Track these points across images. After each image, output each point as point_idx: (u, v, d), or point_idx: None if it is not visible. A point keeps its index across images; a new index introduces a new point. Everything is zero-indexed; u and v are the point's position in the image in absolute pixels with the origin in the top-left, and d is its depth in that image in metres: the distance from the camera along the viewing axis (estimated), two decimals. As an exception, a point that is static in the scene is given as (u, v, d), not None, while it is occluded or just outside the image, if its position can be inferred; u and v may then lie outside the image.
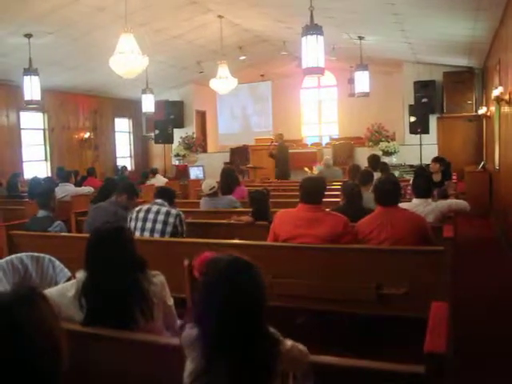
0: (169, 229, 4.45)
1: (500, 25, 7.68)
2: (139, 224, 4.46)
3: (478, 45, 9.56)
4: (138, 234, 4.39)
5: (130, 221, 4.54)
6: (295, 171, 12.03)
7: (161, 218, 4.46)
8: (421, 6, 7.64)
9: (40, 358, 1.21)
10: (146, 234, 4.44)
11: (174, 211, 4.57)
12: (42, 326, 1.24)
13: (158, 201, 4.61)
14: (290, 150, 12.21)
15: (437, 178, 7.39)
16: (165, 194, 4.77)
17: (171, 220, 4.47)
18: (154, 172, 11.44)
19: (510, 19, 6.70)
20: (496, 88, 7.77)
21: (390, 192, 3.92)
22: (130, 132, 16.76)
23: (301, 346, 1.73)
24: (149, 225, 4.45)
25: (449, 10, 7.55)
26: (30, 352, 1.19)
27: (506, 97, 7.07)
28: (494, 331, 4.21)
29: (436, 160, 7.82)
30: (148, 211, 4.51)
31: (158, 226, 4.44)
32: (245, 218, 4.87)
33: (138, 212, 4.54)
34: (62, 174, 9.57)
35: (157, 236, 4.43)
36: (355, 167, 7.09)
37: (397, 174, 10.13)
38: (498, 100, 7.65)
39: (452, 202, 5.09)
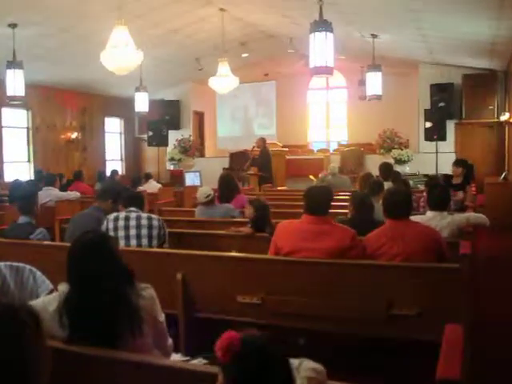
0: (155, 232, 4.50)
1: (525, 24, 7.71)
2: (121, 233, 4.46)
3: (501, 46, 9.59)
4: (122, 242, 4.38)
5: (108, 231, 4.47)
6: (298, 179, 12.05)
7: (144, 222, 4.50)
8: (439, 2, 7.68)
9: (25, 375, 1.24)
10: (133, 242, 4.45)
11: (154, 215, 4.71)
12: (29, 342, 1.28)
13: (133, 208, 4.64)
14: (293, 157, 12.23)
15: (457, 180, 7.40)
16: (137, 200, 4.81)
17: (155, 223, 4.53)
18: (148, 177, 11.44)
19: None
20: (520, 93, 7.79)
21: (399, 203, 3.91)
22: (121, 133, 16.81)
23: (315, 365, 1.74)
24: (133, 231, 4.47)
25: (469, 6, 7.58)
26: (16, 367, 1.22)
27: (531, 102, 7.09)
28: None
29: (457, 163, 7.83)
30: (127, 219, 4.52)
31: (144, 231, 4.47)
32: (244, 229, 4.87)
33: (116, 221, 4.53)
34: (40, 178, 9.57)
35: (145, 241, 4.45)
36: (367, 176, 7.09)
37: (411, 183, 10.12)
38: (522, 106, 7.67)
39: (470, 215, 5.07)
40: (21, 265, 3.14)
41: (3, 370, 1.20)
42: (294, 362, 1.69)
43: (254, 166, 11.94)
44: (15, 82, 9.21)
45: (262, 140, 12.22)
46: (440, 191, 4.87)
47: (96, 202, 5.24)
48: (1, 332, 1.24)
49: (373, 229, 4.01)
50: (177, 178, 14.37)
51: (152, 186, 10.79)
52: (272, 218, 5.03)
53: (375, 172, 8.19)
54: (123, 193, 5.19)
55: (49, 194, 8.33)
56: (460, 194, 6.96)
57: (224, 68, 10.44)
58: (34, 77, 10.67)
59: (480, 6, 7.34)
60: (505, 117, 11.45)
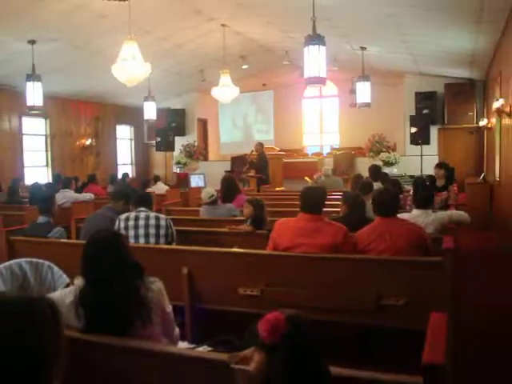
0: (162, 231, 4.51)
1: (501, 37, 7.71)
2: (131, 232, 4.46)
3: (480, 57, 9.60)
4: (132, 241, 4.38)
5: (119, 230, 4.48)
6: (295, 180, 12.06)
7: (152, 222, 4.50)
8: (423, 18, 7.69)
9: (43, 362, 1.24)
10: (141, 240, 4.45)
11: (161, 215, 4.72)
12: (50, 333, 1.28)
13: (142, 208, 4.63)
14: (289, 160, 12.25)
15: (440, 183, 7.40)
16: (146, 200, 4.81)
17: (163, 223, 4.54)
18: (157, 179, 11.44)
19: (511, 32, 6.73)
20: (497, 100, 7.80)
21: (388, 202, 3.92)
22: (131, 139, 16.80)
23: None
24: (141, 231, 4.47)
25: (451, 22, 7.60)
26: (35, 355, 1.22)
27: (507, 109, 7.09)
28: (494, 343, 4.19)
29: (439, 166, 7.83)
30: (137, 218, 4.53)
31: (152, 231, 4.47)
32: (245, 227, 4.86)
33: (127, 220, 4.54)
34: (58, 181, 9.58)
35: (152, 240, 4.46)
36: (358, 177, 7.09)
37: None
38: (499, 112, 7.67)
39: (452, 213, 5.08)
40: (40, 261, 3.15)
41: (24, 359, 1.20)
42: None
43: (252, 168, 11.96)
44: (34, 94, 9.22)
45: (260, 145, 12.24)
46: (424, 191, 4.87)
47: (109, 203, 5.25)
48: (21, 323, 1.24)
49: (364, 226, 4.02)
50: (183, 180, 14.38)
51: (160, 188, 10.78)
52: (270, 217, 5.04)
53: (365, 173, 8.20)
54: (133, 194, 5.19)
55: (65, 196, 8.34)
56: (444, 194, 6.97)
57: (225, 79, 10.44)
58: (51, 88, 10.67)
59: (460, 21, 7.36)
60: (483, 122, 11.46)
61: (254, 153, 12.21)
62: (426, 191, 4.87)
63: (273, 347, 1.47)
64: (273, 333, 1.47)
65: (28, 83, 9.18)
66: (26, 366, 1.20)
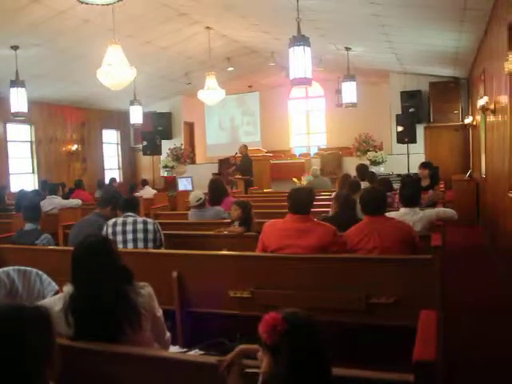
0: (150, 236, 4.48)
1: (484, 36, 7.79)
2: (119, 237, 4.43)
3: (463, 55, 9.68)
4: (120, 246, 4.35)
5: (107, 236, 4.42)
6: (282, 182, 12.08)
7: (140, 227, 4.48)
8: (407, 18, 7.75)
9: (36, 369, 1.23)
10: (130, 245, 4.43)
11: (149, 219, 4.69)
12: (45, 341, 1.27)
13: (130, 213, 4.62)
14: (277, 161, 12.27)
15: (425, 182, 7.44)
16: (133, 205, 4.79)
17: (150, 227, 4.51)
18: (144, 183, 11.40)
19: (493, 30, 6.80)
20: (481, 98, 7.86)
21: (376, 201, 3.94)
22: (117, 144, 16.74)
23: None
24: (130, 236, 4.45)
25: (434, 21, 7.65)
26: (30, 363, 1.22)
27: (491, 106, 7.15)
28: (484, 338, 4.23)
29: (423, 165, 7.84)
30: (124, 224, 4.50)
31: (140, 235, 4.45)
32: (236, 229, 4.87)
33: (115, 226, 4.51)
34: (45, 187, 9.51)
35: (140, 245, 4.43)
36: (346, 177, 7.12)
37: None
38: (484, 109, 7.74)
39: (440, 210, 5.11)
40: (28, 268, 3.12)
41: (15, 367, 1.19)
42: None
43: (237, 171, 12.00)
44: (18, 100, 9.16)
45: (244, 147, 12.28)
46: (408, 189, 4.87)
47: (97, 209, 5.22)
48: (13, 332, 1.23)
49: (353, 225, 4.03)
50: (170, 183, 14.33)
51: (148, 192, 10.75)
52: (259, 218, 5.05)
53: (353, 173, 8.23)
54: (120, 199, 5.16)
55: (52, 202, 8.27)
56: (429, 193, 7.00)
57: (211, 81, 10.44)
58: (35, 94, 10.61)
59: (443, 19, 7.41)
60: (468, 120, 11.55)
61: (238, 155, 12.23)
62: (409, 189, 4.87)
63: (276, 348, 1.47)
64: (272, 333, 1.47)
65: (12, 89, 9.12)
66: (18, 371, 1.19)
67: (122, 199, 5.05)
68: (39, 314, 1.32)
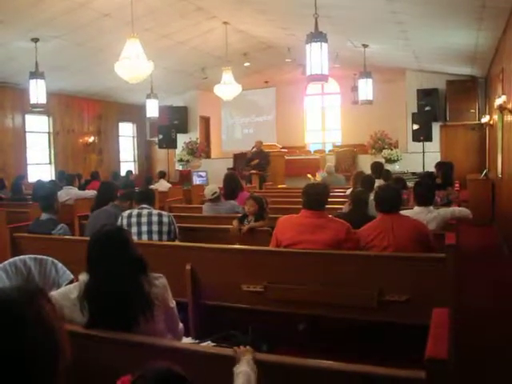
0: (165, 228, 4.50)
1: (503, 34, 7.68)
2: (134, 229, 4.46)
3: (481, 54, 9.57)
4: (135, 238, 4.37)
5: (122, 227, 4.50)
6: (297, 178, 12.05)
7: (155, 219, 4.50)
8: (424, 15, 7.66)
9: (40, 356, 1.21)
10: (144, 237, 4.45)
11: (164, 212, 4.72)
12: (45, 324, 1.25)
13: (145, 205, 4.64)
14: (292, 157, 12.23)
15: (439, 181, 7.41)
16: (148, 196, 4.82)
17: (165, 220, 4.53)
18: (162, 175, 11.42)
19: (513, 29, 6.71)
20: (499, 97, 7.76)
21: (390, 199, 3.91)
22: (133, 136, 16.81)
23: None
24: (144, 228, 4.47)
25: (452, 19, 7.57)
26: (31, 348, 1.19)
27: (509, 106, 7.06)
28: (496, 338, 4.20)
29: (436, 166, 7.89)
30: (139, 215, 4.53)
31: (155, 227, 4.47)
32: (259, 224, 4.87)
33: (130, 217, 4.54)
34: (62, 178, 9.59)
35: (155, 237, 4.46)
36: (359, 174, 7.08)
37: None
38: (501, 109, 7.65)
39: (455, 209, 5.07)
40: (44, 257, 3.16)
41: (21, 351, 1.18)
42: None
43: (259, 165, 11.89)
44: (37, 91, 9.23)
45: (260, 142, 12.25)
46: (421, 189, 4.83)
47: (116, 201, 5.28)
48: (16, 315, 1.22)
49: (367, 223, 4.02)
50: (185, 177, 14.38)
51: (163, 185, 10.79)
52: (273, 214, 5.05)
53: (367, 170, 8.19)
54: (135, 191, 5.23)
55: (69, 193, 8.34)
56: (443, 192, 6.95)
57: (228, 76, 10.44)
58: (54, 86, 10.68)
59: (461, 17, 7.33)
60: (485, 119, 11.43)
61: (254, 150, 12.22)
62: (422, 188, 4.84)
63: None
64: None
65: (31, 81, 9.19)
66: (27, 360, 1.18)
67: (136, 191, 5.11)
68: (42, 296, 1.31)
